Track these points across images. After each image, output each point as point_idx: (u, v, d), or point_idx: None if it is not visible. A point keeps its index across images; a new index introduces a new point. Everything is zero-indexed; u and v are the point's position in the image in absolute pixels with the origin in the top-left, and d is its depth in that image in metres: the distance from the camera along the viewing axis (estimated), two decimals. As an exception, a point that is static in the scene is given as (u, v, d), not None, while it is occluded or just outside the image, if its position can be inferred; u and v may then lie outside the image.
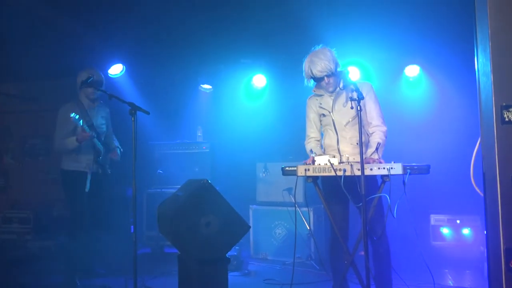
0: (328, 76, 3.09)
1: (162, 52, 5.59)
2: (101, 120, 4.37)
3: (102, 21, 4.77)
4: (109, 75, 5.60)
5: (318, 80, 3.15)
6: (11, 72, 6.29)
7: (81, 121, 3.97)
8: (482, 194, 1.91)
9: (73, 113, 3.92)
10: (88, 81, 3.94)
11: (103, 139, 4.35)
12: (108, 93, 3.57)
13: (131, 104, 3.35)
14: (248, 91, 6.02)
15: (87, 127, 4.05)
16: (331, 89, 3.18)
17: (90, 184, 4.15)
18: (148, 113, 3.39)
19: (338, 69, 3.15)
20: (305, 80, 3.24)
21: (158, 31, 5.00)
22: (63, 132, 4.11)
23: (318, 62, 3.06)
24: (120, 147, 4.53)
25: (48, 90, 6.72)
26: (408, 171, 2.73)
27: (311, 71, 3.10)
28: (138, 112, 3.42)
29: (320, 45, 3.23)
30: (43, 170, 6.84)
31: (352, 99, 2.77)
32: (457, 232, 4.60)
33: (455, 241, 4.59)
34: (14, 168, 7.13)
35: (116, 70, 5.65)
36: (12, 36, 4.74)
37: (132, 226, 3.13)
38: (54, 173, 6.48)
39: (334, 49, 3.20)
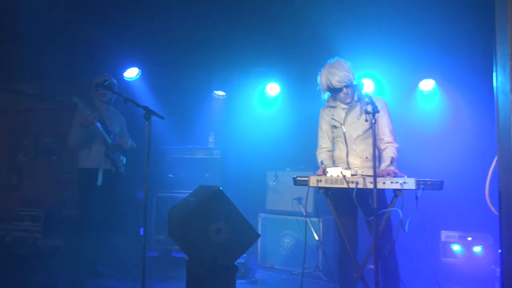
0: (347, 86, 3.10)
1: (177, 58, 5.65)
2: (115, 123, 4.45)
3: (119, 25, 4.83)
4: (125, 78, 5.67)
5: (336, 91, 3.15)
6: (29, 72, 6.40)
7: (85, 105, 4.06)
8: (497, 213, 1.89)
9: (76, 98, 4.03)
10: (105, 83, 4.00)
11: (117, 139, 4.41)
12: (124, 96, 3.62)
13: (146, 108, 3.39)
14: (262, 99, 6.03)
15: (98, 124, 4.12)
16: (348, 100, 3.19)
17: (104, 180, 4.21)
18: (162, 117, 3.42)
19: (354, 82, 3.16)
20: (321, 93, 3.25)
21: (174, 36, 5.06)
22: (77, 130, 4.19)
23: (337, 73, 3.07)
24: (134, 144, 4.60)
25: (63, 90, 6.80)
26: (421, 186, 2.72)
27: (330, 82, 3.11)
28: (152, 116, 3.47)
29: (336, 58, 3.25)
30: (55, 168, 6.92)
31: (367, 112, 2.77)
32: (468, 250, 4.53)
33: (465, 258, 4.52)
34: (27, 165, 7.22)
35: (131, 73, 5.72)
36: (31, 37, 4.83)
37: (141, 229, 3.14)
38: (66, 172, 6.57)
39: (349, 62, 3.22)
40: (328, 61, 3.24)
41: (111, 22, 4.79)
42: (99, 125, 4.14)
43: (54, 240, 5.78)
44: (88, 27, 4.75)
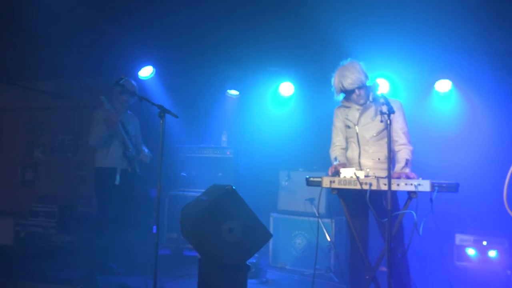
0: (359, 88, 3.10)
1: (191, 57, 5.66)
2: (131, 126, 4.49)
3: (135, 24, 4.86)
4: (139, 77, 5.71)
5: (349, 93, 3.15)
6: (46, 70, 6.49)
7: (109, 103, 4.11)
8: (514, 218, 1.86)
9: (103, 97, 4.08)
10: (120, 82, 4.03)
11: (133, 141, 4.46)
12: (139, 95, 3.64)
13: (160, 107, 3.41)
14: (275, 98, 6.02)
15: (120, 124, 4.17)
16: (361, 102, 3.17)
17: (120, 180, 4.26)
18: (176, 116, 3.44)
19: (368, 83, 3.14)
20: (335, 94, 3.24)
21: (188, 36, 5.07)
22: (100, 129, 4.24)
23: (349, 75, 3.07)
24: (150, 154, 4.63)
25: (79, 88, 6.90)
26: (436, 188, 2.68)
27: (342, 84, 3.11)
28: (166, 115, 3.48)
29: (349, 59, 3.23)
30: (70, 166, 7.01)
31: (382, 113, 2.74)
32: (483, 254, 4.46)
33: (480, 262, 4.45)
34: (43, 162, 7.34)
35: (146, 72, 5.76)
36: (48, 36, 4.89)
37: (154, 227, 3.16)
38: (81, 169, 6.66)
39: (362, 62, 3.21)
40: (341, 62, 3.24)
41: (126, 21, 4.82)
42: (120, 125, 4.19)
43: (68, 236, 5.86)
44: (104, 26, 4.79)
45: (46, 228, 6.05)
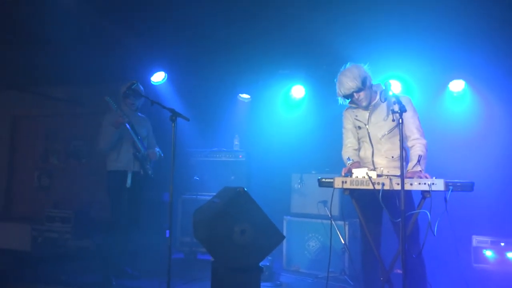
0: (356, 92, 3.11)
1: (202, 61, 5.69)
2: (142, 128, 4.49)
3: (146, 30, 4.92)
4: (152, 82, 5.77)
5: (348, 97, 3.19)
6: (60, 77, 6.60)
7: (114, 104, 4.11)
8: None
9: (108, 97, 4.09)
10: (132, 87, 4.07)
11: (145, 143, 4.46)
12: (151, 99, 3.68)
13: (171, 110, 3.44)
14: (286, 101, 6.01)
15: (128, 126, 4.18)
16: (364, 104, 3.18)
17: (131, 184, 4.26)
18: (188, 119, 3.46)
19: (371, 83, 3.17)
20: (339, 99, 3.26)
21: (199, 40, 5.11)
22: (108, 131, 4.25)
23: (344, 81, 3.12)
24: (161, 153, 4.62)
25: (93, 95, 6.97)
26: (450, 187, 2.63)
27: (340, 90, 3.18)
28: (177, 119, 3.51)
29: (348, 64, 3.25)
30: (85, 171, 7.09)
31: (394, 112, 2.72)
32: (501, 255, 4.36)
33: (498, 264, 4.35)
34: (59, 168, 7.44)
35: (158, 77, 5.81)
36: (62, 42, 4.98)
37: (167, 231, 3.18)
38: (95, 175, 6.72)
39: (367, 64, 3.22)
40: (342, 68, 3.25)
41: (138, 27, 4.89)
42: (128, 126, 4.19)
43: (84, 241, 5.92)
44: (116, 32, 4.86)
45: (62, 233, 6.12)
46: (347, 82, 3.10)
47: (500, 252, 4.38)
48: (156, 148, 4.59)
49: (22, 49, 5.41)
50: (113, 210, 4.30)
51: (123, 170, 4.28)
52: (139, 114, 4.59)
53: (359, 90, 3.10)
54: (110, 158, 4.35)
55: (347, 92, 3.12)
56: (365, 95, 3.13)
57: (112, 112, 4.21)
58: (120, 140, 4.29)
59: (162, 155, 4.63)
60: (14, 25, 4.78)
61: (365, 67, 3.18)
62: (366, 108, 3.20)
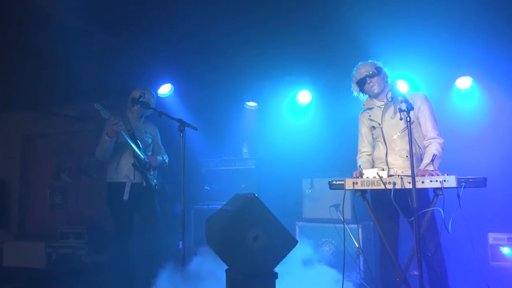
0: (369, 76, 3.16)
1: (208, 71, 5.74)
2: (146, 135, 4.35)
3: (151, 42, 4.97)
4: (159, 94, 5.82)
5: (362, 83, 3.23)
6: (70, 94, 6.68)
7: (107, 112, 3.94)
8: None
9: (97, 104, 3.91)
10: (140, 99, 4.10)
11: (149, 152, 4.33)
12: (159, 111, 3.71)
13: (179, 121, 3.47)
14: (293, 107, 6.02)
15: (125, 134, 4.03)
16: (376, 90, 3.20)
17: (132, 195, 4.05)
18: (196, 129, 3.49)
19: (386, 77, 3.22)
20: (355, 93, 3.32)
21: (204, 50, 5.15)
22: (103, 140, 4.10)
23: (360, 66, 3.26)
24: (166, 160, 4.47)
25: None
26: (463, 184, 2.61)
27: (354, 76, 3.27)
28: (186, 130, 3.53)
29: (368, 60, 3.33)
30: (97, 186, 7.14)
31: (400, 110, 2.72)
32: (519, 252, 4.30)
33: (516, 261, 4.29)
34: (71, 185, 7.50)
35: (165, 90, 5.88)
36: (70, 60, 5.04)
37: (180, 242, 3.18)
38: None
39: (380, 62, 3.31)
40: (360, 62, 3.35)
41: (143, 40, 4.94)
42: (124, 134, 4.01)
43: (98, 256, 5.94)
44: (122, 47, 4.93)
45: (76, 249, 6.15)
46: (362, 67, 3.24)
47: (518, 249, 4.32)
48: (163, 156, 4.44)
49: (31, 69, 5.50)
50: (114, 223, 4.15)
51: (122, 182, 4.08)
52: (144, 120, 4.41)
53: (372, 75, 3.18)
54: (109, 168, 4.18)
55: (361, 75, 3.22)
56: (377, 82, 3.19)
57: (108, 121, 4.03)
58: (119, 149, 4.13)
59: (167, 161, 4.47)
60: (22, 46, 4.86)
61: (380, 64, 3.30)
62: (377, 95, 3.24)
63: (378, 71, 3.19)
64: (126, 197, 4.01)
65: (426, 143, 3.09)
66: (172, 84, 5.89)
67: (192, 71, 5.77)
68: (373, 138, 3.34)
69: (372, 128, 3.28)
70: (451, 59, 4.84)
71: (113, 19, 4.43)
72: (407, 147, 3.08)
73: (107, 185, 4.20)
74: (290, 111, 6.05)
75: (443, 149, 3.03)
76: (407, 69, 5.03)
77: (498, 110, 4.93)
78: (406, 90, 4.97)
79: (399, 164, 3.08)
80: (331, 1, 4.00)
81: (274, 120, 6.05)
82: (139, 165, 4.13)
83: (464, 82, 5.06)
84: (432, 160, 2.92)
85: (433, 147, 3.01)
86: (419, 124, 3.11)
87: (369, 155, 3.33)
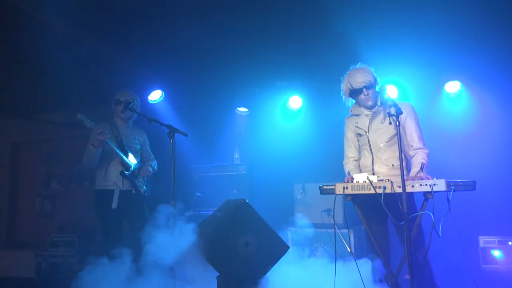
0: (367, 87, 3.09)
1: (199, 77, 5.73)
2: (134, 141, 4.33)
3: (141, 50, 4.97)
4: (149, 101, 5.79)
5: (357, 92, 3.15)
6: (59, 101, 6.62)
7: (91, 122, 3.94)
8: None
9: (80, 115, 3.92)
10: (130, 106, 4.07)
11: (137, 159, 4.29)
12: (148, 117, 3.69)
13: (169, 126, 3.45)
14: (284, 112, 6.02)
15: (112, 143, 4.01)
16: (369, 103, 3.16)
17: (121, 203, 4.03)
18: (186, 134, 3.47)
19: (377, 87, 3.15)
20: (343, 98, 3.26)
21: (194, 57, 5.15)
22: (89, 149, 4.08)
23: (357, 75, 3.11)
24: (155, 167, 4.43)
25: (93, 117, 6.97)
26: (452, 187, 2.63)
27: (350, 84, 3.13)
28: (177, 136, 3.51)
29: (359, 64, 3.26)
30: (87, 194, 7.06)
31: (390, 115, 2.73)
32: (510, 255, 4.31)
33: (508, 264, 4.30)
34: (61, 193, 7.41)
35: (155, 96, 5.84)
36: (58, 67, 5.00)
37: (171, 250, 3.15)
38: (96, 197, 6.70)
39: (373, 68, 3.26)
40: (351, 66, 3.28)
41: (134, 48, 4.94)
42: (110, 143, 3.99)
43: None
44: (112, 53, 4.90)
45: (66, 257, 6.05)
46: (360, 76, 3.08)
47: (508, 252, 4.34)
48: (151, 163, 4.41)
49: (20, 76, 5.45)
50: (103, 231, 4.12)
51: (111, 189, 4.05)
52: (131, 125, 4.39)
53: (370, 87, 3.10)
54: (98, 176, 4.16)
55: (358, 86, 3.09)
56: (372, 94, 3.14)
57: (102, 126, 4.03)
58: (107, 157, 4.11)
59: (156, 168, 4.43)
60: (11, 53, 4.82)
61: (373, 70, 3.22)
62: (371, 108, 3.19)
63: (375, 82, 3.13)
64: (114, 205, 3.99)
65: (412, 153, 3.10)
66: (162, 90, 5.87)
67: (182, 77, 5.76)
68: (359, 145, 3.32)
69: (358, 135, 3.28)
70: (440, 64, 4.89)
71: (103, 26, 4.43)
72: (394, 156, 3.10)
73: (96, 193, 4.17)
74: (281, 116, 6.05)
75: (429, 158, 3.05)
76: (397, 75, 5.07)
77: (485, 113, 4.98)
78: (396, 95, 5.01)
79: (384, 172, 3.09)
80: (322, 9, 4.01)
81: (266, 125, 6.05)
82: (127, 173, 4.11)
83: (453, 86, 5.11)
84: (421, 168, 2.94)
85: (419, 157, 3.03)
86: (405, 133, 3.11)
87: (356, 160, 3.33)
